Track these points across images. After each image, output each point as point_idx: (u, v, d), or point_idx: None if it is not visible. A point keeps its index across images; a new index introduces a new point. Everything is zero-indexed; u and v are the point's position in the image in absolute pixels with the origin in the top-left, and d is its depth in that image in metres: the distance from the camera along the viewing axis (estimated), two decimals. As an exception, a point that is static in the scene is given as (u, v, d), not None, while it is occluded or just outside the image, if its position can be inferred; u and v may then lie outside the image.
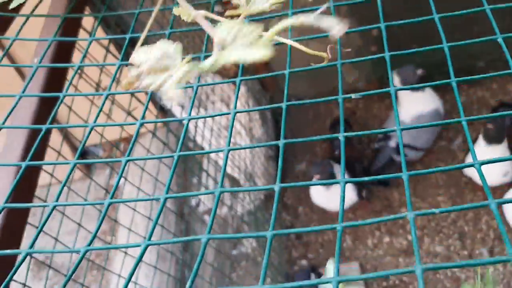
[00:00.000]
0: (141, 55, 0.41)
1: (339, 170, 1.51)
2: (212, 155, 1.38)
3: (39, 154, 0.59)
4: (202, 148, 1.33)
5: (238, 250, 1.56)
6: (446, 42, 0.44)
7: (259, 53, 0.37)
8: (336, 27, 0.37)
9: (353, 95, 0.42)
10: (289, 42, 0.45)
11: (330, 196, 1.49)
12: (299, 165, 1.76)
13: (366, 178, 0.36)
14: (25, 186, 0.55)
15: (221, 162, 1.42)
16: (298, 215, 1.69)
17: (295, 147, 1.79)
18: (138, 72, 0.41)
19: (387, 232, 1.59)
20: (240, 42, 0.39)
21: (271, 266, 1.48)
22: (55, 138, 0.91)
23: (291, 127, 1.78)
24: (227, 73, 1.60)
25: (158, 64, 0.40)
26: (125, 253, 0.92)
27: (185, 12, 0.45)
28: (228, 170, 1.44)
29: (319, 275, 1.40)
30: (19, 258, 0.38)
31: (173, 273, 1.26)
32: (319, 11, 0.43)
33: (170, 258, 1.26)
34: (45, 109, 0.59)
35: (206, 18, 0.43)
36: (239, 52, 0.38)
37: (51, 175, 0.72)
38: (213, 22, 0.41)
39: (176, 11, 0.45)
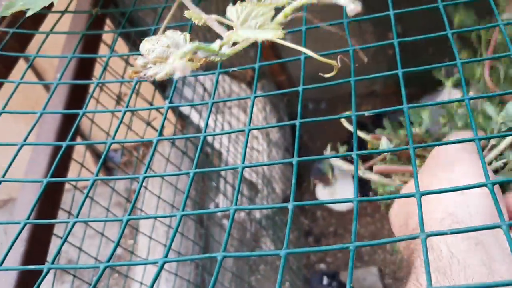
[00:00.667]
0: (149, 44, 0.40)
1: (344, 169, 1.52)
2: (230, 160, 1.39)
3: (63, 168, 0.61)
4: (220, 154, 1.34)
5: (257, 254, 1.56)
6: (459, 55, 0.44)
7: (270, 34, 0.37)
8: (351, 5, 0.38)
9: (366, 112, 0.42)
10: (301, 49, 0.46)
11: (333, 194, 1.51)
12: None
13: (378, 198, 0.36)
14: (49, 200, 0.56)
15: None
16: (316, 219, 1.69)
17: (312, 151, 1.79)
18: (145, 61, 0.40)
19: (406, 236, 1.58)
20: (250, 24, 0.38)
21: (289, 270, 1.49)
22: (79, 146, 0.93)
23: (308, 128, 1.78)
24: (244, 77, 1.61)
25: (166, 53, 0.39)
26: (146, 261, 0.93)
27: (196, 15, 0.45)
28: (246, 175, 1.45)
29: (339, 283, 1.40)
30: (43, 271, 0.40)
31: (193, 278, 1.27)
32: None
33: (190, 263, 1.27)
34: (69, 124, 0.60)
35: (218, 21, 0.44)
36: (250, 32, 0.38)
37: (75, 187, 0.74)
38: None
39: (187, 13, 0.45)
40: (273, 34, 0.35)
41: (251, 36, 0.35)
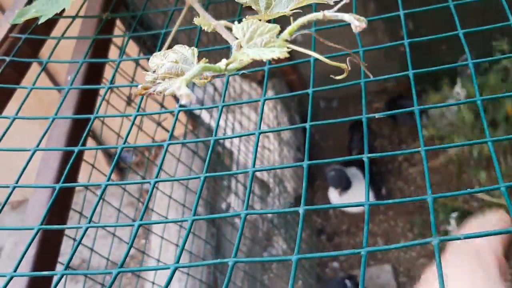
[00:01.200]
0: (157, 60, 0.40)
1: (352, 172, 1.52)
2: (241, 160, 1.39)
3: (74, 170, 0.61)
4: (231, 153, 1.34)
5: (269, 253, 1.57)
6: (470, 53, 0.44)
7: (274, 53, 0.37)
8: (355, 22, 0.37)
9: (376, 115, 0.42)
10: (311, 53, 0.45)
11: (347, 199, 1.51)
12: (328, 166, 1.75)
13: (390, 201, 0.36)
14: (60, 202, 0.57)
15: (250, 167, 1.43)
16: (329, 217, 1.69)
17: (324, 150, 1.79)
18: (154, 77, 0.40)
19: (420, 234, 1.57)
20: (256, 41, 0.38)
21: (302, 268, 1.49)
22: (90, 145, 0.93)
23: (320, 127, 1.78)
24: (255, 76, 1.61)
25: (174, 69, 0.39)
26: (158, 260, 0.94)
27: (205, 22, 0.45)
28: (257, 174, 1.45)
29: (355, 284, 1.40)
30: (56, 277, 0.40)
31: (205, 277, 1.28)
32: (338, 6, 0.42)
33: (201, 261, 1.28)
34: (80, 126, 0.61)
35: (227, 27, 0.44)
36: (255, 52, 0.38)
37: (86, 188, 0.74)
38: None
39: (196, 21, 0.45)
40: (279, 53, 0.36)
41: (256, 56, 0.36)
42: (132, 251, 1.56)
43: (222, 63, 0.37)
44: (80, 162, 0.66)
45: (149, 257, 1.26)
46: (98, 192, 0.46)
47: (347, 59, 0.45)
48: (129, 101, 0.87)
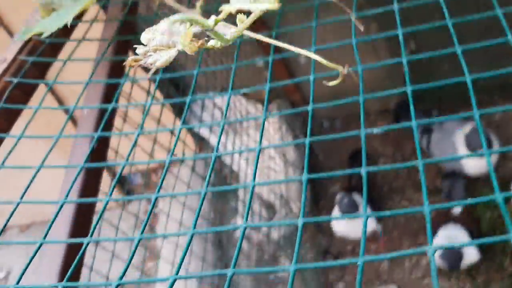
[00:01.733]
0: (149, 33, 0.40)
1: (357, 198, 1.51)
2: (249, 183, 1.39)
3: (93, 191, 0.61)
4: (238, 176, 1.35)
5: (274, 274, 1.55)
6: (469, 72, 0.45)
7: (264, 5, 0.37)
8: None
9: (374, 130, 0.42)
10: (309, 54, 0.46)
11: (351, 224, 1.50)
12: (333, 186, 1.75)
13: (387, 213, 0.36)
14: (80, 223, 0.56)
15: (256, 189, 1.43)
16: (334, 237, 1.68)
17: (329, 171, 1.78)
18: (145, 49, 0.39)
19: (425, 254, 1.55)
20: None
21: (309, 290, 1.47)
22: (105, 175, 0.94)
23: (324, 147, 1.77)
24: (259, 97, 1.63)
25: (165, 40, 0.39)
26: (156, 278, 0.93)
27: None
28: (264, 196, 1.45)
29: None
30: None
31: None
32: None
33: (209, 284, 1.27)
34: (100, 150, 0.61)
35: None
36: (244, 3, 0.38)
37: (100, 216, 0.75)
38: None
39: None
40: (268, 5, 0.36)
41: (245, 7, 0.36)
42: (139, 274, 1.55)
43: (211, 20, 0.37)
44: (99, 183, 0.65)
45: (158, 269, 1.25)
46: (111, 223, 0.47)
47: (345, 66, 0.46)
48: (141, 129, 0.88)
